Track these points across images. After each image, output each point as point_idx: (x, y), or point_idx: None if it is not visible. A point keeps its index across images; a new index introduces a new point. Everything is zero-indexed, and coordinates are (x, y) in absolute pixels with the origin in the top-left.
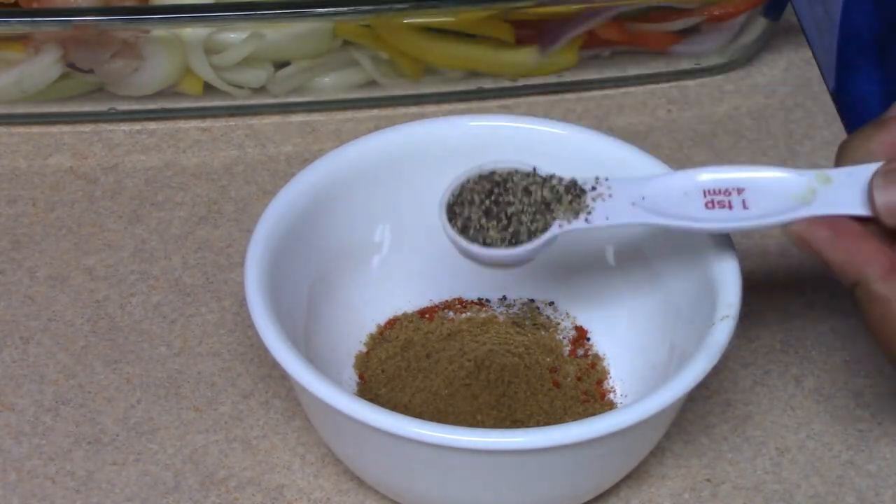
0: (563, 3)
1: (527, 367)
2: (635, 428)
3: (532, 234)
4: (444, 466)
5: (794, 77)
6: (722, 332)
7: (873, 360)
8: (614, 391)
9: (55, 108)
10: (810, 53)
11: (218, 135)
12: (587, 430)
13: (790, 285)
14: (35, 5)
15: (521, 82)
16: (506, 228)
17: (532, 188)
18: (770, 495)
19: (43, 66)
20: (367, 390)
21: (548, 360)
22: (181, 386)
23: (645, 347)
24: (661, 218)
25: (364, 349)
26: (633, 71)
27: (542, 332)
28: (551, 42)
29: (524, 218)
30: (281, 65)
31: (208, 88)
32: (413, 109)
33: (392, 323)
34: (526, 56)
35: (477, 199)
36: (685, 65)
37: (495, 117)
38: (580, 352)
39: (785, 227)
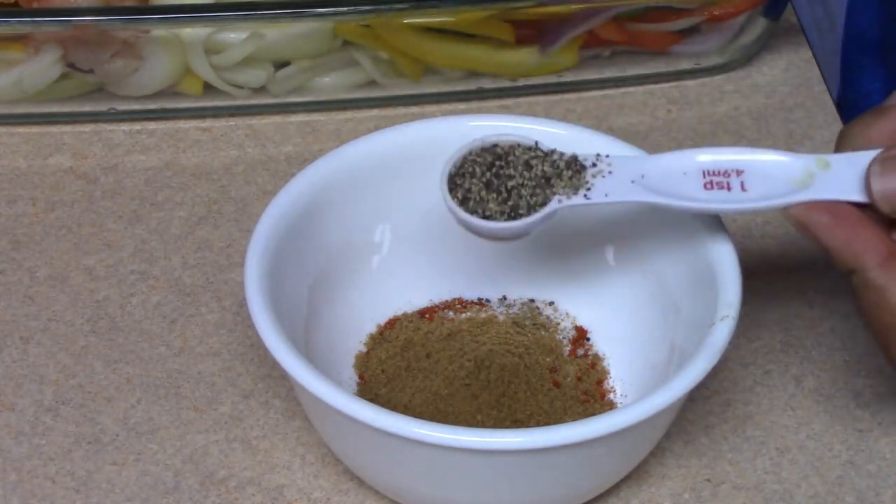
0: (563, 3)
1: (527, 367)
2: (635, 428)
3: (531, 209)
4: (444, 466)
5: (794, 77)
6: (722, 332)
7: (873, 360)
8: (614, 391)
9: (55, 108)
10: (810, 53)
11: (218, 135)
12: (587, 430)
13: (790, 285)
14: (35, 5)
15: (521, 82)
16: (505, 201)
17: (533, 162)
18: (770, 495)
19: (43, 66)
20: (367, 390)
21: (548, 360)
22: (181, 386)
23: (645, 347)
24: (660, 197)
25: (364, 349)
26: (633, 71)
27: (542, 332)
28: (551, 42)
29: (524, 192)
30: (281, 65)
31: (208, 88)
32: (413, 109)
33: (392, 323)
34: (526, 56)
35: (478, 171)
36: (685, 65)
37: (495, 117)
38: (580, 352)
39: (784, 210)
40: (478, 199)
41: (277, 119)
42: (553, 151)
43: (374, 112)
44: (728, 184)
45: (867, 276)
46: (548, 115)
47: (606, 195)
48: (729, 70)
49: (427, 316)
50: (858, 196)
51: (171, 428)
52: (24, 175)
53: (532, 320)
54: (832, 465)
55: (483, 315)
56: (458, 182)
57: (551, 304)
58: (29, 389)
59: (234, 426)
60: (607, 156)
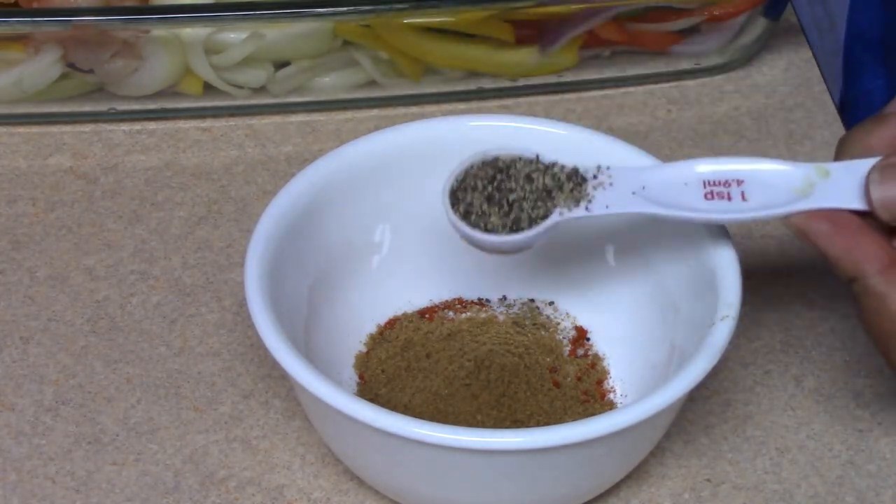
0: (563, 3)
1: (527, 367)
2: (635, 428)
3: (533, 221)
4: (444, 466)
5: (794, 77)
6: (722, 332)
7: (873, 360)
8: (614, 391)
9: (55, 108)
10: (810, 53)
11: (218, 135)
12: (587, 430)
13: (790, 285)
14: (35, 5)
15: (521, 82)
16: (507, 215)
17: (534, 175)
18: (770, 495)
19: (43, 66)
20: (367, 390)
21: (548, 360)
22: (181, 386)
23: (645, 347)
24: (661, 208)
25: (364, 349)
26: (633, 71)
27: (542, 332)
28: (551, 42)
29: (525, 205)
30: (281, 65)
31: (208, 88)
32: (413, 109)
33: (392, 323)
34: (526, 56)
35: (480, 184)
36: (685, 65)
37: (495, 117)
38: (580, 352)
39: (785, 219)
40: (479, 212)
41: (277, 119)
42: (554, 164)
43: (374, 112)
44: (728, 194)
45: (867, 284)
46: (548, 115)
47: (607, 207)
48: (729, 70)
49: (427, 316)
50: (858, 204)
51: (171, 428)
52: (24, 175)
53: (532, 320)
54: (832, 465)
55: (483, 315)
56: (460, 196)
57: (551, 304)
58: (29, 389)
59: (234, 426)
60: (608, 167)
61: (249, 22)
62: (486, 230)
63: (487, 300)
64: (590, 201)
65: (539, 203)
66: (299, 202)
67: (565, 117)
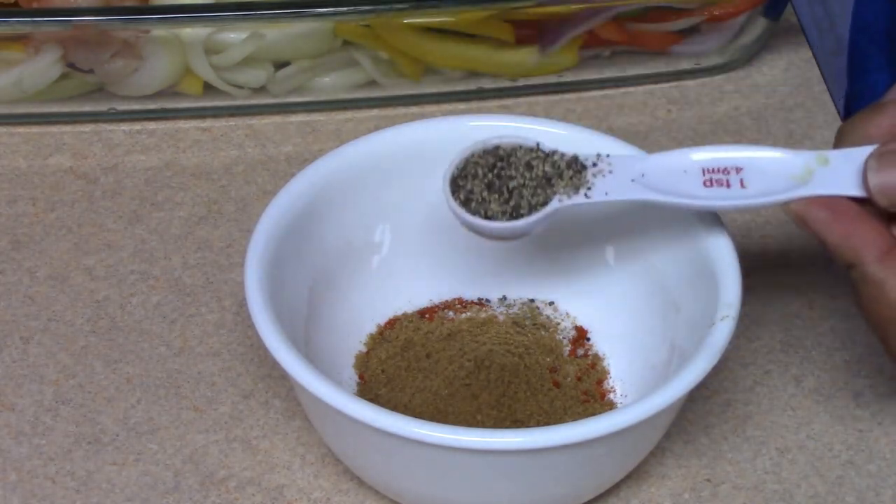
0: (563, 3)
1: (527, 367)
2: (635, 428)
3: (533, 208)
4: (444, 466)
5: (794, 77)
6: (722, 332)
7: (873, 360)
8: (614, 391)
9: (55, 108)
10: (810, 53)
11: (218, 135)
12: (587, 430)
13: (790, 285)
14: (35, 5)
15: (521, 82)
16: (507, 202)
17: (534, 163)
18: (770, 495)
19: (43, 66)
20: (367, 390)
21: (548, 360)
22: (181, 386)
23: (645, 347)
24: (660, 195)
25: (364, 349)
26: (633, 71)
27: (542, 332)
28: (551, 42)
29: (525, 192)
30: (281, 65)
31: (208, 88)
32: (413, 109)
33: (392, 323)
34: (526, 56)
35: (480, 172)
36: (685, 65)
37: (495, 117)
38: (580, 352)
39: (784, 205)
40: (480, 199)
41: (277, 119)
42: (554, 152)
43: (374, 112)
44: (727, 181)
45: (866, 271)
46: (548, 115)
47: (607, 194)
48: (729, 70)
49: (427, 316)
50: (857, 191)
51: (171, 428)
52: (24, 175)
53: (532, 320)
54: (832, 465)
55: (483, 315)
56: (461, 184)
57: (551, 304)
58: (29, 389)
59: (234, 426)
60: (608, 155)
61: (249, 22)
62: (487, 217)
63: (487, 300)
64: (589, 188)
65: (539, 190)
66: (299, 202)
67: (565, 117)
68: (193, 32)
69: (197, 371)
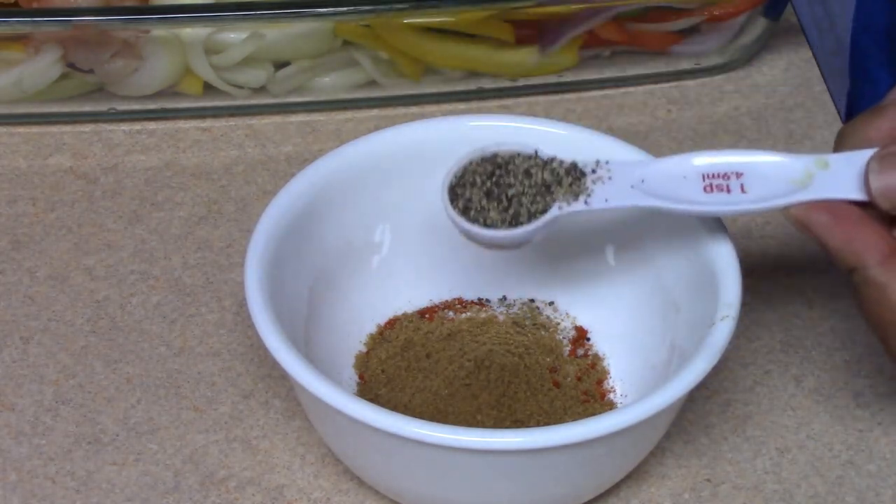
0: (563, 3)
1: (527, 367)
2: (635, 428)
3: (532, 216)
4: (444, 466)
5: (794, 77)
6: (722, 332)
7: (873, 360)
8: (614, 391)
9: (55, 108)
10: (810, 53)
11: (218, 135)
12: (587, 430)
13: (790, 285)
14: (35, 5)
15: (521, 82)
16: (506, 210)
17: (533, 170)
18: (770, 495)
19: (43, 66)
20: (367, 390)
21: (548, 360)
22: (181, 386)
23: (645, 347)
24: (660, 201)
25: (364, 349)
26: (633, 71)
27: (542, 332)
28: (551, 42)
29: (524, 200)
30: (281, 65)
31: (208, 88)
32: (413, 109)
33: (392, 323)
34: (526, 56)
35: (479, 180)
36: (685, 65)
37: (495, 117)
38: (580, 352)
39: (785, 210)
40: (479, 208)
41: (277, 119)
42: (553, 159)
43: (374, 112)
44: (728, 186)
45: (868, 274)
46: (548, 115)
47: (606, 201)
48: (729, 70)
49: (427, 316)
50: (858, 194)
51: (171, 428)
52: (24, 175)
53: (532, 320)
54: (832, 465)
55: (483, 315)
56: (459, 192)
57: (551, 304)
58: (29, 389)
59: (234, 426)
60: (607, 162)
61: (249, 22)
62: (486, 225)
63: (487, 300)
64: (589, 195)
65: (538, 198)
66: (299, 202)
67: (565, 117)
68: (193, 32)
69: (197, 371)
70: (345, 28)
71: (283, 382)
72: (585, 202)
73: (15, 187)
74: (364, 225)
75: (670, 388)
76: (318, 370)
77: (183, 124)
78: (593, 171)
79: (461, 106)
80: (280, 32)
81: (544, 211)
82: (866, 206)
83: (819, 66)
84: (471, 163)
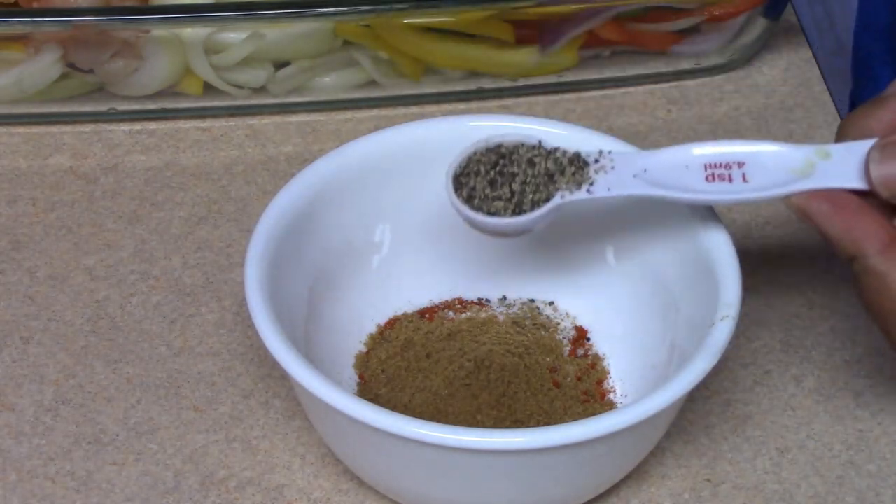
0: (563, 3)
1: (527, 367)
2: (635, 428)
3: (535, 205)
4: (444, 466)
5: (794, 77)
6: (722, 332)
7: (873, 360)
8: (614, 391)
9: (55, 108)
10: (810, 53)
11: (218, 135)
12: (587, 430)
13: (790, 285)
14: (35, 5)
15: (521, 82)
16: (510, 198)
17: (536, 160)
18: (770, 495)
19: (43, 66)
20: (367, 390)
21: (548, 360)
22: (181, 386)
23: (645, 347)
24: (662, 190)
25: (364, 349)
26: (633, 71)
27: (542, 332)
28: (551, 42)
29: (528, 188)
30: (281, 65)
31: (208, 88)
32: (413, 109)
33: (392, 323)
34: (526, 56)
35: (483, 169)
36: (685, 65)
37: (495, 117)
38: (580, 352)
39: (786, 198)
40: (482, 196)
41: (277, 119)
42: (556, 149)
43: (374, 112)
44: (730, 175)
45: (868, 263)
46: (548, 115)
47: (609, 189)
48: (729, 70)
49: (427, 316)
50: (858, 183)
51: (171, 428)
52: (24, 175)
53: (532, 320)
54: (832, 465)
55: (483, 315)
56: (463, 181)
57: (551, 304)
58: (29, 389)
59: (234, 426)
60: (609, 151)
61: (249, 22)
62: (489, 213)
63: (487, 300)
64: (591, 184)
65: (541, 187)
66: (299, 202)
67: (565, 117)
68: (193, 32)
69: (197, 371)
70: (345, 28)
71: (283, 382)
72: (588, 191)
73: (15, 187)
74: (364, 225)
75: (670, 388)
76: (318, 370)
77: (183, 124)
78: (596, 161)
79: (461, 106)
80: (280, 32)
81: (547, 199)
82: (867, 196)
83: (819, 66)
84: (475, 153)
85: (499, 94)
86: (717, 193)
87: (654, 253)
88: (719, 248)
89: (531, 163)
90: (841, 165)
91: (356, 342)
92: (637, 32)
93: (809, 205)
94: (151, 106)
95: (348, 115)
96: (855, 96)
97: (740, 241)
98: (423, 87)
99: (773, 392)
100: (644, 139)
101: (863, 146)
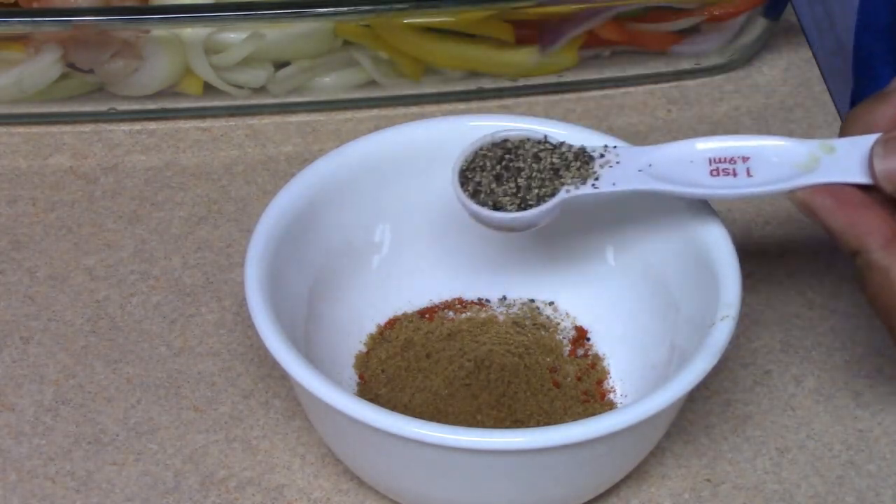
0: (563, 3)
1: (527, 367)
2: (635, 428)
3: (541, 199)
4: (444, 466)
5: (794, 77)
6: (722, 332)
7: (873, 360)
8: (614, 391)
9: (55, 108)
10: (810, 53)
11: (218, 135)
12: (587, 430)
13: (790, 285)
14: (35, 5)
15: (521, 82)
16: (515, 193)
17: (542, 155)
18: (770, 495)
19: (43, 66)
20: (367, 390)
21: (548, 360)
22: (181, 386)
23: (645, 347)
24: (667, 185)
25: (364, 349)
26: (633, 71)
27: (542, 332)
28: (551, 42)
29: (533, 183)
30: (281, 65)
31: (208, 88)
32: (413, 109)
33: (392, 323)
34: (526, 56)
35: (489, 164)
36: (685, 65)
37: (495, 117)
38: (580, 352)
39: (789, 193)
40: (488, 191)
41: (277, 119)
42: (562, 144)
43: (374, 112)
44: (734, 170)
45: (871, 258)
46: (548, 115)
47: (614, 184)
48: (729, 70)
49: (427, 316)
50: (862, 178)
51: (171, 428)
52: (24, 175)
53: (532, 320)
54: (832, 465)
55: (483, 315)
56: (469, 176)
57: (551, 304)
58: (29, 389)
59: (234, 426)
60: (615, 147)
61: (249, 22)
62: (495, 208)
63: (487, 300)
64: (597, 179)
65: (547, 182)
66: (299, 202)
67: (565, 117)
68: (193, 32)
69: (197, 371)
70: (345, 28)
71: (283, 382)
72: (593, 185)
73: (15, 187)
74: (364, 225)
75: (670, 388)
76: (318, 370)
77: (183, 124)
78: (601, 156)
79: (461, 106)
80: (280, 32)
81: (553, 194)
82: (871, 190)
83: (819, 66)
84: (481, 147)
85: (499, 94)
86: (722, 188)
87: (655, 253)
88: (719, 247)
89: (537, 158)
90: (845, 160)
91: (356, 342)
92: (637, 32)
93: (813, 199)
94: (151, 106)
95: (348, 115)
96: (856, 96)
97: (740, 241)
98: (423, 87)
99: (773, 392)
100: (644, 139)
101: (866, 141)
